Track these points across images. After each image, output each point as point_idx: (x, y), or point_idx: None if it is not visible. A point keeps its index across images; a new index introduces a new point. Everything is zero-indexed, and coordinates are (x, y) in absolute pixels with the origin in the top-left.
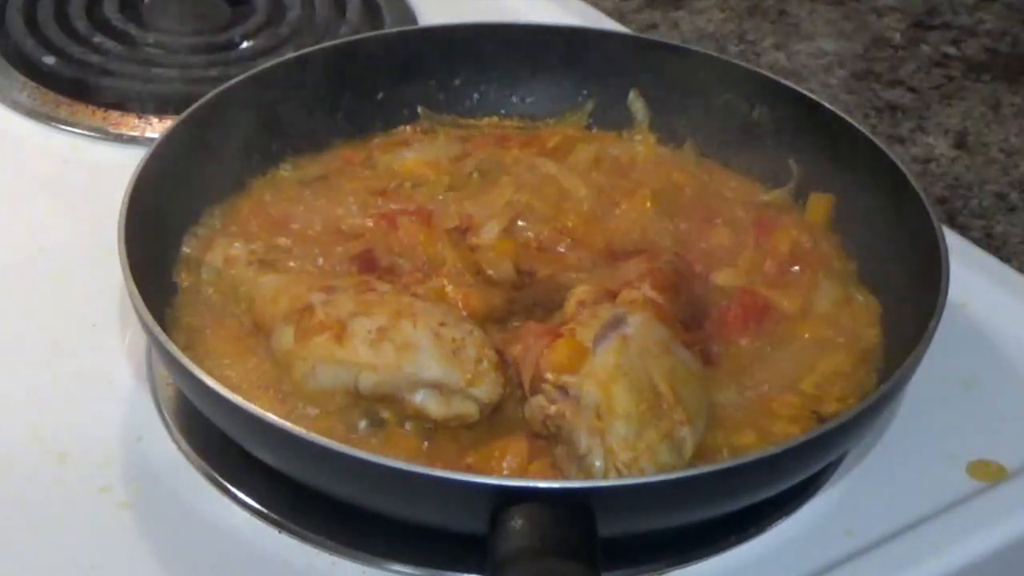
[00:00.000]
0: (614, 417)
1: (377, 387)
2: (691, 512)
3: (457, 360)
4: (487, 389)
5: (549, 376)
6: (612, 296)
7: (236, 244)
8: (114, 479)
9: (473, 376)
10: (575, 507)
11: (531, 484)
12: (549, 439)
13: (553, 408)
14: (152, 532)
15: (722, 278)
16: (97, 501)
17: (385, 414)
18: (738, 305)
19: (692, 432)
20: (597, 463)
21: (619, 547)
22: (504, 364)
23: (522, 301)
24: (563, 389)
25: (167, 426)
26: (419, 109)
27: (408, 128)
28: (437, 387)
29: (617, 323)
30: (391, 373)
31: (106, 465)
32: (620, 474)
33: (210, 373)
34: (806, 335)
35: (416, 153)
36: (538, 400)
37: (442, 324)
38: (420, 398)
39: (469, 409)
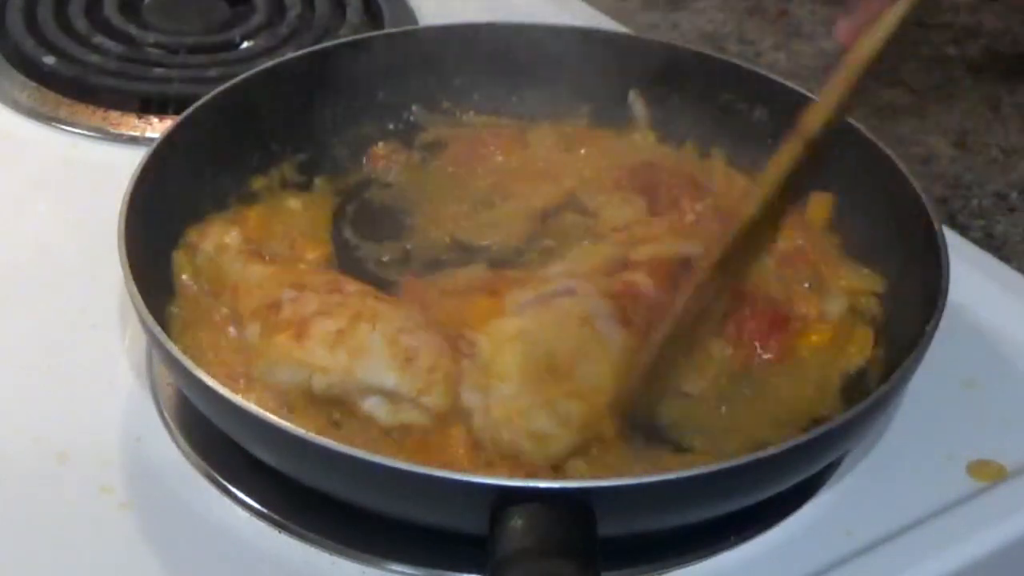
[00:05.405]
0: (495, 377)
1: (329, 389)
2: (691, 512)
3: (410, 369)
4: (435, 399)
5: (466, 332)
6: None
7: (232, 232)
8: (114, 479)
9: (424, 385)
10: (575, 507)
11: (531, 484)
12: None
13: (465, 362)
14: (152, 532)
15: None
16: (97, 501)
17: (337, 416)
18: (758, 314)
19: (580, 407)
20: (476, 418)
21: (619, 547)
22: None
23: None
24: (470, 344)
25: (167, 426)
26: (413, 108)
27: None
28: (387, 395)
29: (555, 295)
30: (341, 377)
31: (106, 465)
32: (497, 432)
33: (209, 373)
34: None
35: None
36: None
37: (400, 331)
38: (369, 404)
39: (417, 418)
